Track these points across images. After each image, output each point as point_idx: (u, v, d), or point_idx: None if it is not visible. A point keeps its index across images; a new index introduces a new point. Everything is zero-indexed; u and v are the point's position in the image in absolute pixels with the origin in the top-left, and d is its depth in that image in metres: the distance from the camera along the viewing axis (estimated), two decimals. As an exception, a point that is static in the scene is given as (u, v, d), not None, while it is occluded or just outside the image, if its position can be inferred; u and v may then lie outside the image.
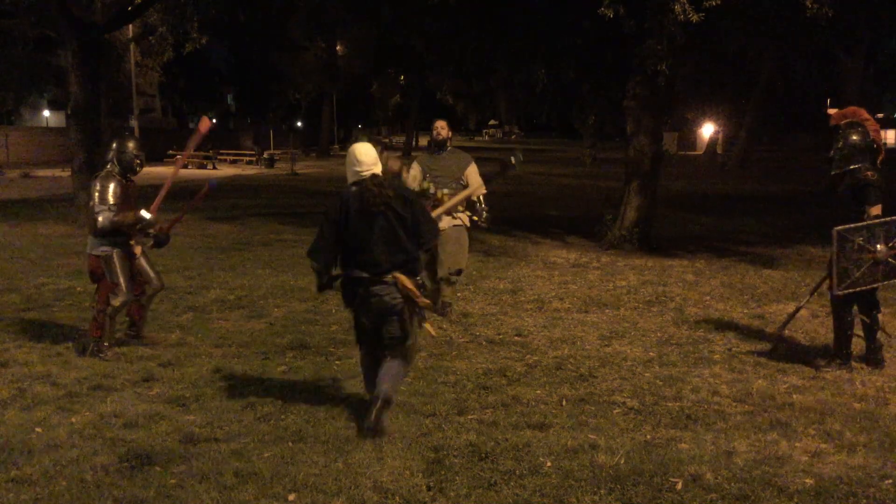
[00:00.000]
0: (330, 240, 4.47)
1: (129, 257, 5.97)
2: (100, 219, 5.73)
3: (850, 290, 5.48)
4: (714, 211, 17.69)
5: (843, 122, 5.81)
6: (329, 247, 4.48)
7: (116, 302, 5.87)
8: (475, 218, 7.36)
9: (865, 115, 5.88)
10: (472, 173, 7.31)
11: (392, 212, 4.40)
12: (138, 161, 6.00)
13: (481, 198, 7.40)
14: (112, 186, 5.80)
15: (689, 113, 44.36)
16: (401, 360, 4.54)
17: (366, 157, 4.47)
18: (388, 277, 4.39)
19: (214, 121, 71.30)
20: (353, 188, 4.46)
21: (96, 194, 5.78)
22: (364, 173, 4.46)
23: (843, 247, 5.39)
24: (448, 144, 7.43)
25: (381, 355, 4.59)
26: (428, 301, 4.58)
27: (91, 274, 6.01)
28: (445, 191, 7.25)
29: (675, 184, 24.19)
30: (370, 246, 4.38)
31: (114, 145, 6.00)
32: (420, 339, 6.47)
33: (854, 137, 5.59)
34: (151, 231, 5.98)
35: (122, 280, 5.87)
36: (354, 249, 4.43)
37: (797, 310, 6.35)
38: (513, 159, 7.48)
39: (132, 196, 6.00)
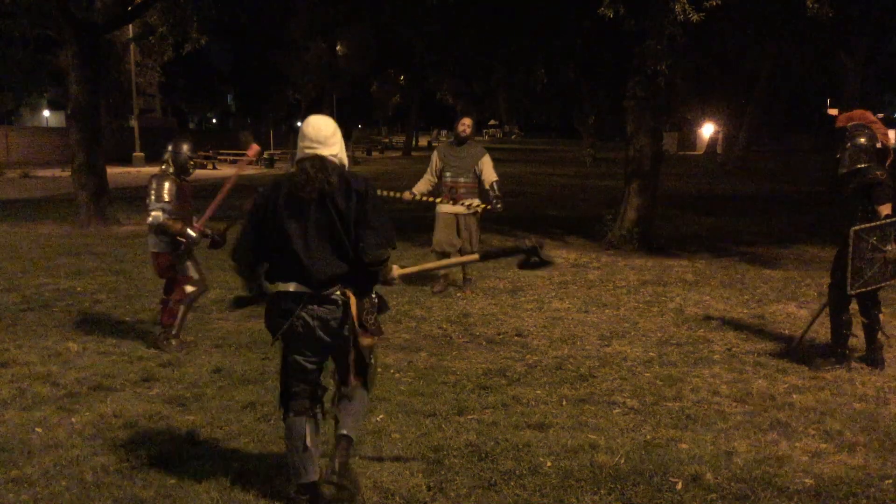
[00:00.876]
0: (251, 235, 3.46)
1: (188, 251, 6.12)
2: (150, 217, 5.91)
3: (862, 290, 5.49)
4: (714, 211, 17.67)
5: (849, 125, 5.82)
6: (250, 244, 3.48)
7: (194, 292, 6.13)
8: (488, 207, 7.94)
9: (872, 117, 5.88)
10: (485, 164, 8.01)
11: (332, 205, 3.32)
12: (192, 162, 6.20)
13: (494, 185, 7.97)
14: (167, 185, 5.95)
15: (689, 113, 44.39)
16: (362, 391, 3.67)
17: (314, 131, 3.44)
18: (337, 294, 3.37)
19: (214, 120, 71.40)
20: (291, 170, 3.48)
21: (152, 193, 5.94)
22: (307, 151, 3.43)
23: (858, 246, 5.39)
24: (469, 140, 8.14)
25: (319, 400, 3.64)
26: (371, 339, 3.57)
27: (157, 270, 6.22)
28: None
29: (675, 184, 24.20)
30: (298, 247, 3.33)
31: (169, 147, 6.15)
32: (419, 339, 6.52)
33: (861, 140, 5.60)
34: (208, 234, 6.16)
35: (192, 271, 6.12)
36: (280, 251, 3.39)
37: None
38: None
39: (188, 195, 6.16)
